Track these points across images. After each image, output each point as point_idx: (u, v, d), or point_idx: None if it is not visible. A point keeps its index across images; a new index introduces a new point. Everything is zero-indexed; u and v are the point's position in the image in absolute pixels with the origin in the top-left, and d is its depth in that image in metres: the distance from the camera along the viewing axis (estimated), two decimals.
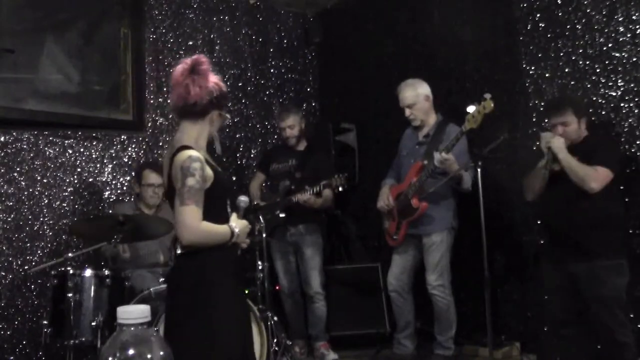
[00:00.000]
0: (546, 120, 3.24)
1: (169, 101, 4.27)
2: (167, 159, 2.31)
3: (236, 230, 2.28)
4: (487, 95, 3.37)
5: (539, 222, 3.77)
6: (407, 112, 3.90)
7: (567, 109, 3.15)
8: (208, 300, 2.20)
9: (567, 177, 3.08)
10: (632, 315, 3.22)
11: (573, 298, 3.14)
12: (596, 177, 2.99)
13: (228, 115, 2.43)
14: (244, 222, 2.37)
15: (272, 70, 5.50)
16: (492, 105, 3.35)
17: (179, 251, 2.28)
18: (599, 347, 3.27)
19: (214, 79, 2.29)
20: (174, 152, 2.24)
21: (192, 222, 2.15)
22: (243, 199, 2.44)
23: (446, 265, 3.82)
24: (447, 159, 3.51)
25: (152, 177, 3.93)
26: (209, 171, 2.23)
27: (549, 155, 3.10)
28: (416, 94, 3.88)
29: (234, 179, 5.06)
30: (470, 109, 3.45)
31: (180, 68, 2.26)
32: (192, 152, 2.20)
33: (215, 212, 2.25)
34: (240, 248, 2.39)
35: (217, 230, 2.24)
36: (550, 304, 3.32)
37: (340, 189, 3.98)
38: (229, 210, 2.38)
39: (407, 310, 3.98)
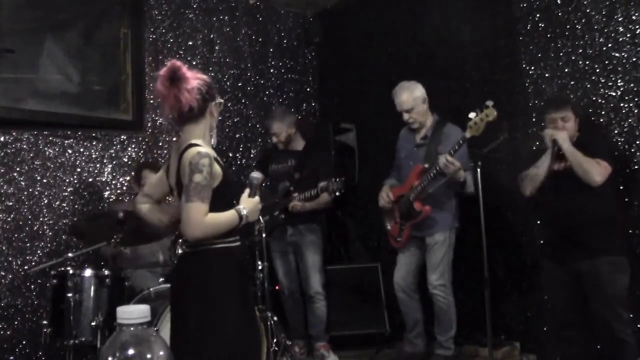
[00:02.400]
0: (546, 116, 3.29)
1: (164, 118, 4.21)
2: (174, 158, 2.32)
3: (244, 212, 2.27)
4: (490, 103, 3.34)
5: (539, 222, 3.77)
6: (406, 116, 3.87)
7: (567, 105, 3.24)
8: (213, 304, 2.20)
9: (567, 175, 3.09)
10: (631, 315, 3.22)
11: (575, 297, 3.14)
12: (599, 171, 3.03)
13: (222, 100, 2.42)
14: (254, 200, 2.34)
15: (272, 70, 5.49)
16: (495, 113, 3.33)
17: (181, 251, 2.28)
18: (599, 346, 3.27)
19: (194, 76, 2.28)
20: (183, 149, 2.25)
21: (196, 218, 2.14)
22: (255, 175, 2.40)
23: (448, 265, 3.81)
24: (453, 163, 3.47)
25: (151, 178, 3.93)
26: (217, 168, 2.23)
27: (553, 150, 3.12)
28: (413, 98, 3.84)
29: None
30: (472, 115, 3.40)
31: (160, 83, 2.24)
32: (202, 149, 2.21)
33: (222, 210, 2.25)
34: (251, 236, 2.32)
35: (223, 219, 2.23)
36: (551, 303, 3.32)
37: (337, 193, 3.93)
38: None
39: (415, 309, 3.98)
